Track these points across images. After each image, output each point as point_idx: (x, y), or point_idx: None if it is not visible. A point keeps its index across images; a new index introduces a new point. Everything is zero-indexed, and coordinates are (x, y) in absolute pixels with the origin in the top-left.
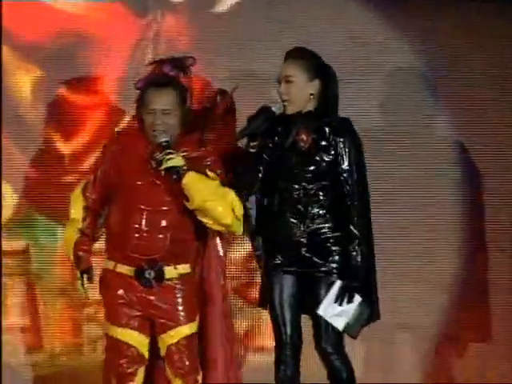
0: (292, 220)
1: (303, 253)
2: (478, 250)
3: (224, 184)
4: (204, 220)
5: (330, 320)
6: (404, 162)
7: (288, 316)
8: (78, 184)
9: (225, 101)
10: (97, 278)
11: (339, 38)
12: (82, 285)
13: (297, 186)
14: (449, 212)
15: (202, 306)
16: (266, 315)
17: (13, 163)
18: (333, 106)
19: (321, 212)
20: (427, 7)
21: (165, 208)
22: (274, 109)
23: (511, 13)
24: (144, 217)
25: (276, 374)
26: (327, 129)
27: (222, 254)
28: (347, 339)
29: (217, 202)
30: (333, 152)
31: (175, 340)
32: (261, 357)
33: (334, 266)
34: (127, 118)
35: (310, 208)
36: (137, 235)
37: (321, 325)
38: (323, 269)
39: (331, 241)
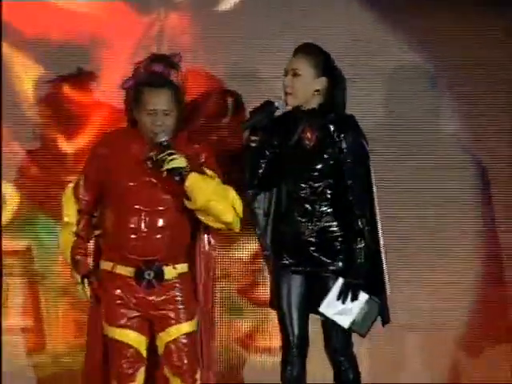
0: (300, 219)
1: (311, 252)
2: (490, 246)
3: (223, 182)
4: (204, 218)
5: (333, 318)
6: (409, 160)
7: (295, 316)
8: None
9: (213, 99)
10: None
11: (341, 38)
12: (83, 289)
13: (304, 185)
14: (463, 209)
15: None
16: (270, 315)
17: (13, 162)
18: (339, 104)
19: (328, 210)
20: (427, 7)
21: (161, 208)
22: (276, 104)
23: (511, 13)
24: (141, 217)
25: (282, 375)
26: (331, 126)
27: (207, 249)
28: (356, 338)
29: (219, 200)
30: (338, 149)
31: (173, 337)
32: (266, 357)
33: (343, 264)
34: None
35: (317, 206)
36: (134, 236)
37: (329, 324)
38: (331, 268)
39: (339, 239)
